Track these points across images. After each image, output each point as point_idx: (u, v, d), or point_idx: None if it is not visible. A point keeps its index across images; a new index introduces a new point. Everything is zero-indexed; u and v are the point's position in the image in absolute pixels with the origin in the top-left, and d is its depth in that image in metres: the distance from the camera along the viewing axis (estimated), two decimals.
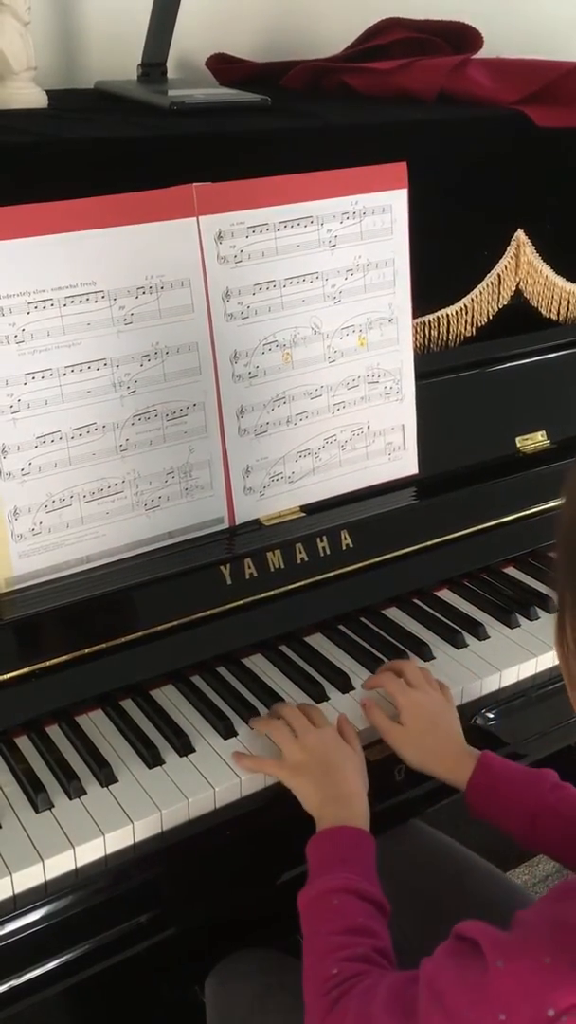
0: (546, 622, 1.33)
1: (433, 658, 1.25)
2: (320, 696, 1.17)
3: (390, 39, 1.56)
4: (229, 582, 1.19)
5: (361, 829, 0.99)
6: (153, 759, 1.07)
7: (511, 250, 1.48)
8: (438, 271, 1.40)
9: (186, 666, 1.19)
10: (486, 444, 1.46)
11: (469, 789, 1.06)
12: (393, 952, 0.89)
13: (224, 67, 1.59)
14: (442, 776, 1.09)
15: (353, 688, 1.19)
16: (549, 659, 1.28)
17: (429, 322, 1.43)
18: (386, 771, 1.12)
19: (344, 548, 1.27)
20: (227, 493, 1.23)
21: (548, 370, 1.51)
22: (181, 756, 1.08)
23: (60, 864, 0.96)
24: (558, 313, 1.55)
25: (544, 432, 1.51)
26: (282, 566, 1.23)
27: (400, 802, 1.15)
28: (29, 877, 0.95)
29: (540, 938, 0.71)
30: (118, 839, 0.99)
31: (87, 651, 1.11)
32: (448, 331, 1.45)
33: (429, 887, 1.18)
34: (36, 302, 1.06)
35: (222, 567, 1.19)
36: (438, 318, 1.44)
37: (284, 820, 1.04)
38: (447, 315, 1.44)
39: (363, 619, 1.31)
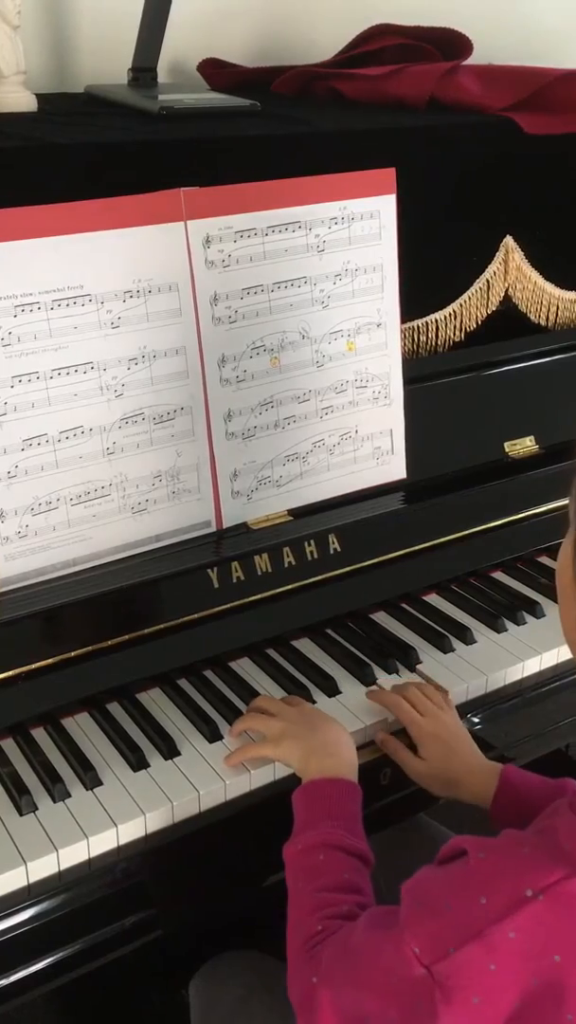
0: (534, 627, 1.33)
1: (420, 662, 1.25)
2: (307, 700, 1.17)
3: (380, 45, 1.57)
4: (216, 586, 1.19)
5: (347, 780, 1.00)
6: (138, 762, 1.06)
7: (500, 256, 1.48)
8: (427, 276, 1.41)
9: (173, 669, 1.19)
10: (475, 449, 1.46)
11: (493, 808, 1.06)
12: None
13: (215, 72, 1.59)
14: (469, 800, 1.09)
15: (340, 692, 1.19)
16: (536, 664, 1.28)
17: (418, 327, 1.43)
18: (375, 774, 1.13)
19: (332, 552, 1.28)
20: (214, 497, 1.23)
21: (537, 375, 1.51)
22: (166, 759, 1.08)
23: (43, 867, 0.96)
24: (547, 319, 1.56)
25: (533, 437, 1.51)
26: (269, 570, 1.23)
27: (404, 797, 1.15)
28: (12, 879, 0.95)
29: (521, 838, 0.78)
30: (102, 842, 0.99)
31: (73, 654, 1.11)
32: (437, 336, 1.46)
33: None
34: (23, 305, 1.06)
35: (209, 571, 1.19)
36: (427, 323, 1.44)
37: (269, 824, 1.04)
38: (436, 320, 1.45)
39: (351, 623, 1.31)
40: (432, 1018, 0.74)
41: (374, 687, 1.19)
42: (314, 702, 1.17)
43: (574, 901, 0.72)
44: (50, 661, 1.10)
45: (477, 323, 1.49)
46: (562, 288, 1.55)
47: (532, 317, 1.54)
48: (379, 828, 1.20)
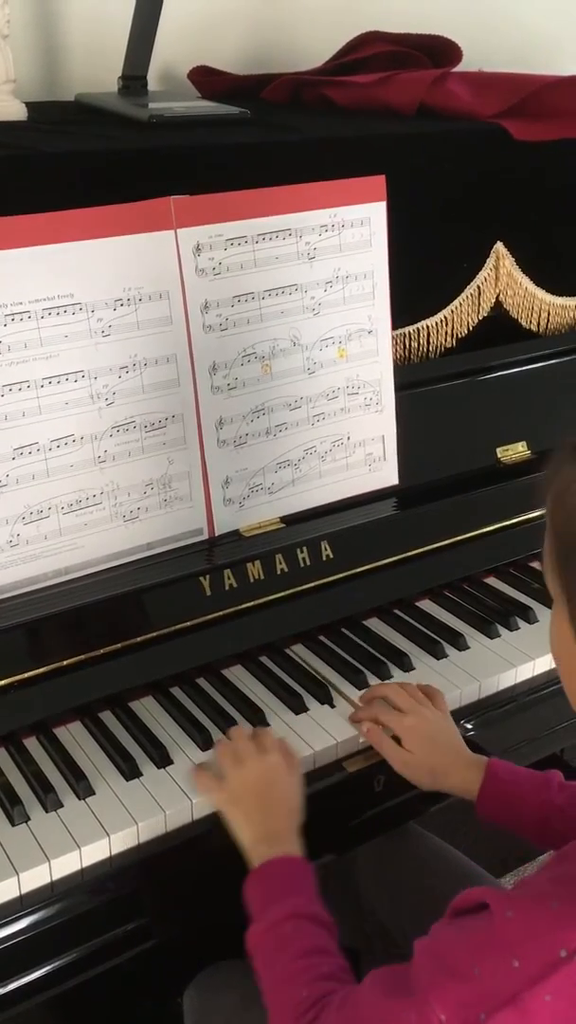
0: (526, 633, 1.33)
1: (413, 668, 1.25)
2: (300, 707, 1.17)
3: (370, 52, 1.57)
4: (208, 593, 1.19)
5: (296, 857, 0.97)
6: (131, 771, 1.06)
7: (491, 262, 1.48)
8: (418, 283, 1.41)
9: (165, 677, 1.19)
10: (467, 455, 1.46)
11: (479, 800, 1.06)
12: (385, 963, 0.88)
13: (206, 79, 1.59)
14: (455, 792, 1.09)
15: (332, 699, 1.19)
16: (529, 669, 1.28)
17: (409, 333, 1.44)
18: (367, 782, 1.13)
19: (324, 559, 1.27)
20: (206, 504, 1.23)
21: (528, 381, 1.51)
22: (159, 768, 1.08)
23: (36, 877, 0.96)
24: (538, 324, 1.56)
25: (525, 443, 1.51)
26: (262, 577, 1.23)
27: (395, 805, 1.15)
28: (5, 890, 0.94)
29: (544, 890, 0.74)
30: (95, 852, 0.99)
31: (65, 663, 1.11)
32: (428, 342, 1.46)
33: (426, 890, 1.18)
34: (13, 314, 1.06)
35: (201, 578, 1.19)
36: (418, 329, 1.44)
37: None
38: (427, 326, 1.45)
39: (343, 630, 1.31)
40: None
41: (353, 711, 1.17)
42: (307, 710, 1.17)
43: None
44: (42, 670, 1.10)
45: (468, 329, 1.49)
46: (553, 294, 1.55)
47: (523, 323, 1.55)
48: (371, 836, 1.20)
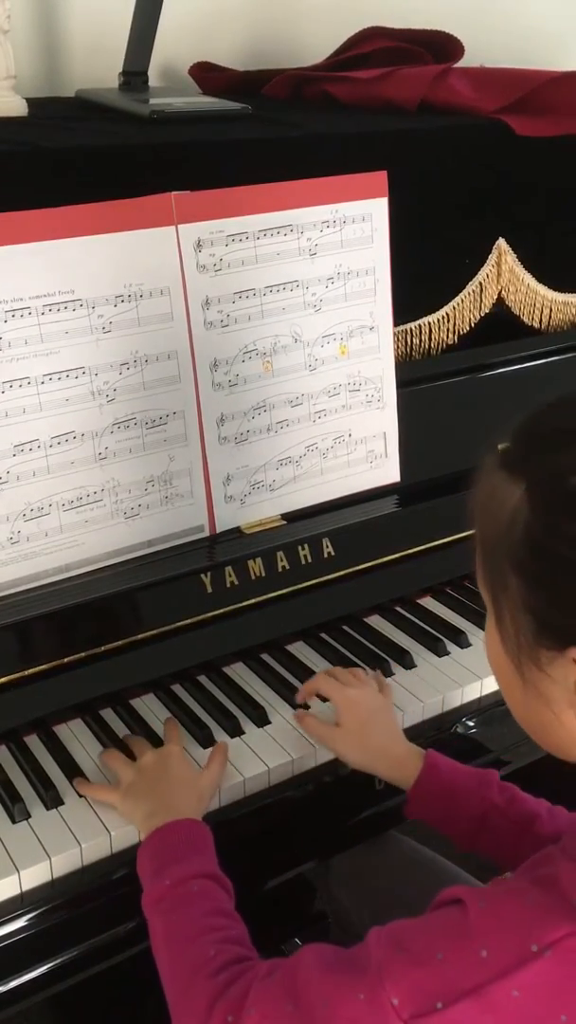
0: None
1: (415, 666, 1.25)
2: (300, 705, 1.17)
3: (372, 48, 1.57)
4: (210, 590, 1.19)
5: (196, 820, 0.94)
6: None
7: (493, 258, 1.48)
8: (420, 279, 1.41)
9: (167, 675, 1.19)
10: (469, 452, 1.42)
11: (415, 789, 1.04)
12: None
13: (207, 75, 1.59)
14: (385, 775, 1.07)
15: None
16: None
17: (411, 330, 1.43)
18: (367, 781, 1.12)
19: (326, 556, 1.27)
20: (207, 501, 1.23)
21: (530, 378, 1.51)
22: None
23: (37, 875, 0.96)
24: (540, 321, 1.56)
25: None
26: (263, 574, 1.22)
27: (378, 812, 1.15)
28: (5, 888, 0.94)
29: (522, 886, 0.71)
30: (96, 849, 0.98)
31: (66, 660, 1.11)
32: (430, 339, 1.46)
33: (407, 897, 1.18)
34: (13, 310, 1.06)
35: (203, 575, 1.19)
36: (420, 326, 1.44)
37: (263, 828, 1.04)
38: (429, 323, 1.45)
39: (345, 627, 1.31)
40: None
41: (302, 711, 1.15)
42: (307, 707, 1.16)
43: None
44: (43, 667, 1.09)
45: (470, 326, 1.49)
46: (555, 290, 1.55)
47: (525, 319, 1.54)
48: (364, 838, 1.19)
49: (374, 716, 1.10)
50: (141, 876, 0.91)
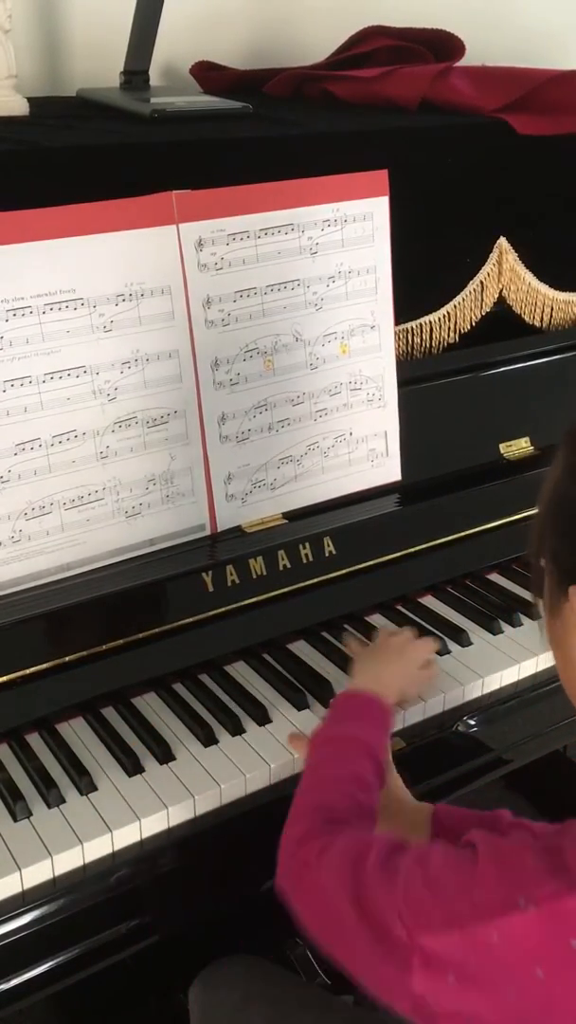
0: (529, 629, 1.33)
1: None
2: (302, 704, 1.17)
3: (373, 47, 1.57)
4: (211, 589, 1.19)
5: (392, 706, 1.06)
6: (133, 767, 1.06)
7: (494, 257, 1.48)
8: (421, 278, 1.41)
9: (168, 673, 1.19)
10: (470, 450, 1.46)
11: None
12: None
13: (208, 75, 1.59)
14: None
15: (335, 695, 1.18)
16: (532, 666, 1.28)
17: (412, 329, 1.43)
18: None
19: (327, 555, 1.27)
20: (209, 500, 1.23)
21: (531, 377, 1.51)
22: (162, 764, 1.07)
23: (38, 873, 0.96)
24: (541, 320, 1.56)
25: (528, 438, 1.51)
26: (264, 573, 1.23)
27: None
28: (7, 886, 0.94)
29: (532, 846, 0.76)
30: (97, 847, 0.99)
31: (68, 659, 1.11)
32: (431, 338, 1.46)
33: None
34: (15, 309, 1.06)
35: (204, 574, 1.19)
36: (421, 325, 1.44)
37: (264, 828, 1.04)
38: (430, 322, 1.45)
39: (346, 626, 1.31)
40: (407, 971, 0.75)
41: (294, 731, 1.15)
42: (308, 707, 1.17)
43: (568, 919, 0.70)
44: (45, 666, 1.09)
45: (471, 324, 1.49)
46: (556, 289, 1.55)
47: (526, 318, 1.54)
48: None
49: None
50: (330, 710, 1.06)
